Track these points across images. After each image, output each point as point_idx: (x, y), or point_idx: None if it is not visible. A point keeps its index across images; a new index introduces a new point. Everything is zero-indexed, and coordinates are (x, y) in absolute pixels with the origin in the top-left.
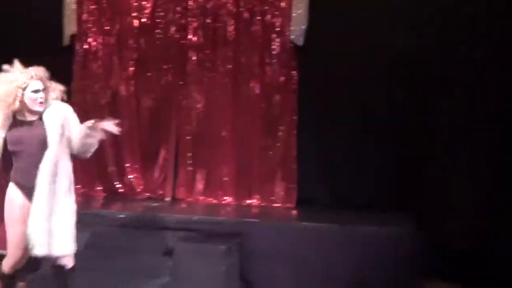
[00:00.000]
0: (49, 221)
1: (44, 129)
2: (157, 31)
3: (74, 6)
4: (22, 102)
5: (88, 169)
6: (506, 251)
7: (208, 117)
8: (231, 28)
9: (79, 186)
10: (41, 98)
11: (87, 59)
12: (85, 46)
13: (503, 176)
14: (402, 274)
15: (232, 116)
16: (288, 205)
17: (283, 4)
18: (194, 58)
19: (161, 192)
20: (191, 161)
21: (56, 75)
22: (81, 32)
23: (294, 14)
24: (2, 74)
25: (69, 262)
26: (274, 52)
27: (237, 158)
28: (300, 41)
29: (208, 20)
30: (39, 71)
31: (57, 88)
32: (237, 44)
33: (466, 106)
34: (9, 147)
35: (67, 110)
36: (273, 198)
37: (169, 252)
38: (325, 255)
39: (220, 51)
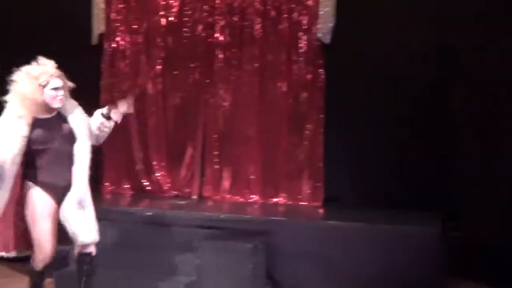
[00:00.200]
0: (86, 210)
1: (69, 125)
2: (184, 29)
3: (102, 5)
4: (42, 99)
5: (116, 167)
6: None
7: (235, 116)
8: (258, 27)
9: (107, 184)
10: (60, 95)
11: (115, 58)
12: (113, 45)
13: None
14: (429, 273)
15: (258, 114)
16: (315, 203)
17: (310, 2)
18: (221, 56)
19: (188, 190)
20: (217, 160)
21: (84, 74)
22: (109, 31)
23: (321, 12)
24: (23, 71)
25: (94, 250)
26: (301, 50)
27: (263, 157)
28: (327, 39)
29: (235, 19)
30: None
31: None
32: (264, 43)
33: (492, 104)
34: (34, 146)
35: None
36: (300, 196)
37: (195, 250)
38: (351, 254)
39: (247, 50)
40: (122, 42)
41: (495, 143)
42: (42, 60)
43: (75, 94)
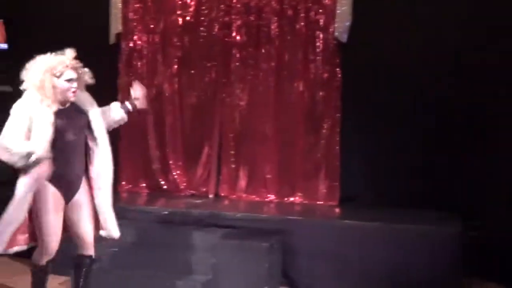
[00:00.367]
0: None
1: (86, 117)
2: (201, 29)
3: (120, 5)
4: (55, 90)
5: (133, 166)
6: None
7: (251, 115)
8: (274, 26)
9: (124, 183)
10: (74, 87)
11: (132, 57)
12: (130, 45)
13: None
14: (445, 273)
15: (275, 113)
16: (331, 203)
17: (327, 1)
18: (237, 55)
19: (204, 189)
20: (234, 159)
21: (102, 73)
22: (127, 31)
23: (338, 11)
24: (38, 60)
25: (93, 252)
26: (317, 50)
27: (280, 156)
28: (344, 38)
29: (252, 18)
30: (72, 57)
31: (85, 73)
32: (280, 42)
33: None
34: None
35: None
36: (316, 195)
37: (211, 249)
38: (367, 253)
39: (264, 49)
40: (139, 42)
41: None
42: (68, 52)
43: (93, 93)
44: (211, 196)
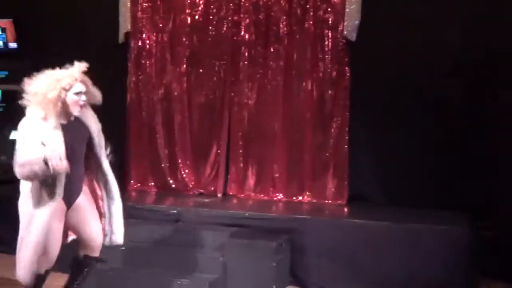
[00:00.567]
0: None
1: (88, 130)
2: (210, 28)
3: (129, 4)
4: (64, 103)
5: (142, 165)
6: None
7: (260, 114)
8: (283, 25)
9: (132, 182)
10: (82, 101)
11: (141, 56)
12: (139, 44)
13: None
14: (456, 272)
15: (284, 112)
16: (340, 202)
17: (336, 0)
18: (246, 54)
19: (212, 188)
20: (242, 158)
21: (111, 72)
22: (135, 30)
23: (347, 10)
24: (46, 73)
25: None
26: (326, 48)
27: (288, 155)
28: (353, 37)
29: (261, 17)
30: (81, 72)
31: (96, 94)
32: (289, 41)
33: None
34: None
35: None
36: (324, 194)
37: (220, 248)
38: (376, 252)
39: (273, 48)
40: (148, 41)
41: None
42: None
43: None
44: (219, 195)
